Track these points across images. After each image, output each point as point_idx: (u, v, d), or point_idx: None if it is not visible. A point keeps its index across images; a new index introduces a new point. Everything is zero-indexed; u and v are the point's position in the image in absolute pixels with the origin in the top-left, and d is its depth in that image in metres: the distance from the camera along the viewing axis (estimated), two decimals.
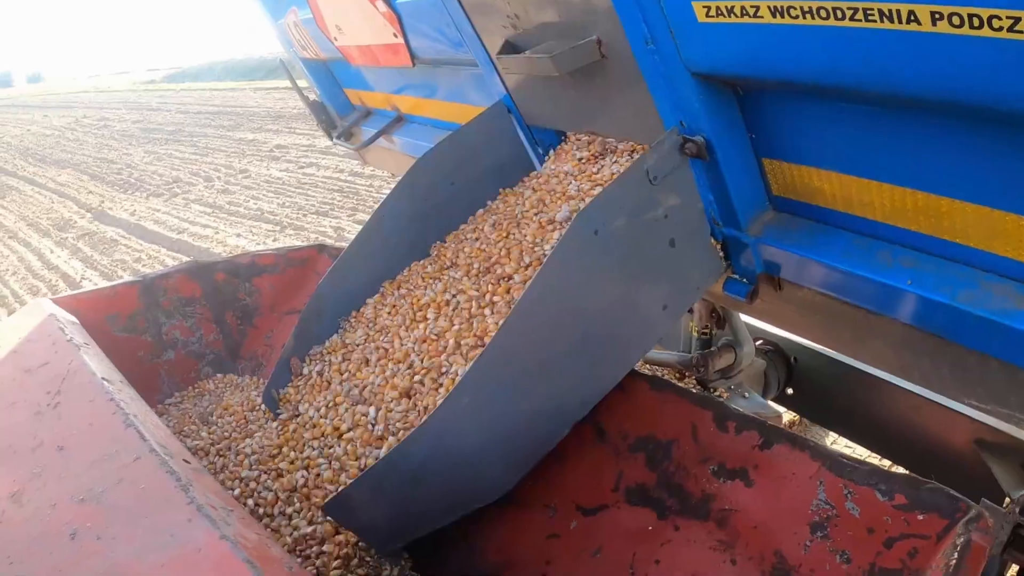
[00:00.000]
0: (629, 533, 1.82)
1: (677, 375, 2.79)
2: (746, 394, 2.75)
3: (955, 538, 1.38)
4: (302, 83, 4.33)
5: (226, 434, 2.32)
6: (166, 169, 16.17)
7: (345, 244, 2.44)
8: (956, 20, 1.08)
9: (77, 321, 2.39)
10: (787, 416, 4.31)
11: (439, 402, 1.69)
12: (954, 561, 1.32)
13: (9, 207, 14.59)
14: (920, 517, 1.48)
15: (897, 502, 1.52)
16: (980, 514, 1.40)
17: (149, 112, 28.61)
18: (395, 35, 2.74)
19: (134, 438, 1.59)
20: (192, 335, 2.86)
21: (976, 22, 1.06)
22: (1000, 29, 1.04)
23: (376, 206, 2.35)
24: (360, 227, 2.35)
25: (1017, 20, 1.01)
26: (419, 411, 1.92)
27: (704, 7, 1.45)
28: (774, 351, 3.03)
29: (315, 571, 1.77)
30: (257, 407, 2.43)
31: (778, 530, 1.65)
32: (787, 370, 3.04)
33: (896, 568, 1.47)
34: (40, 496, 1.55)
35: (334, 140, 4.26)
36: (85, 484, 1.52)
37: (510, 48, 2.10)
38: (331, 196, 11.57)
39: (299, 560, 1.77)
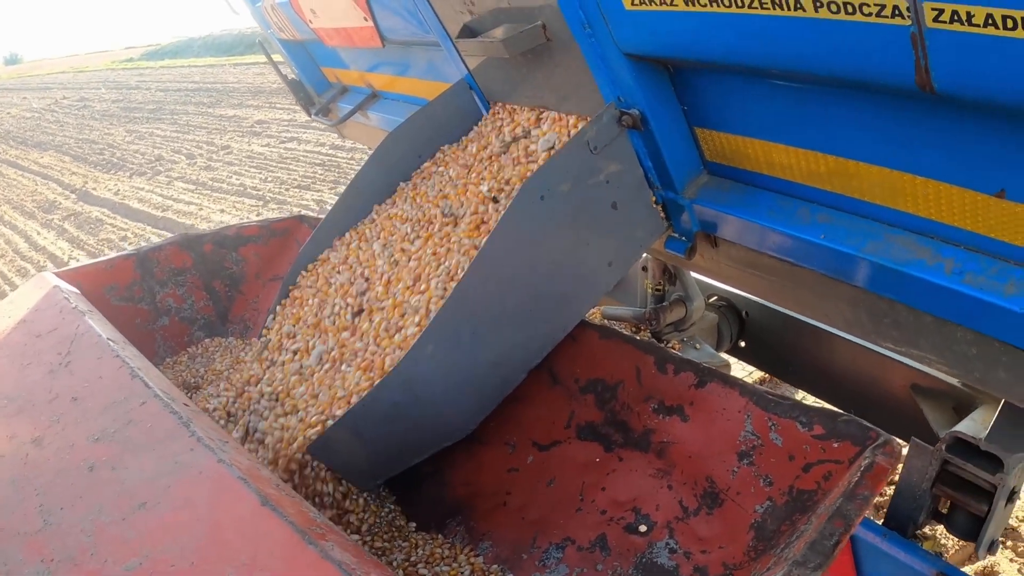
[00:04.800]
0: (579, 465, 2.02)
1: (633, 329, 2.95)
2: (697, 345, 2.92)
3: (861, 460, 1.56)
4: (280, 61, 4.44)
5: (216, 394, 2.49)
6: (148, 148, 16.03)
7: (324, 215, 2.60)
8: (833, 7, 1.25)
9: (79, 292, 2.53)
10: (756, 374, 4.48)
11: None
12: (856, 479, 1.49)
13: None
14: (835, 445, 1.66)
15: (816, 432, 1.70)
16: (888, 440, 1.58)
17: (129, 91, 28.18)
18: (365, 19, 2.90)
19: (140, 387, 1.76)
20: (184, 302, 3.04)
21: (850, 8, 1.22)
22: (869, 14, 1.20)
23: None
24: None
25: (883, 7, 1.17)
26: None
27: None
28: (726, 306, 3.18)
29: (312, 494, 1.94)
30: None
31: (710, 458, 1.84)
32: (739, 324, 3.19)
33: (812, 489, 1.67)
34: (59, 439, 1.70)
35: (312, 116, 4.39)
36: (99, 426, 1.68)
37: (468, 32, 2.26)
38: (313, 170, 11.58)
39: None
